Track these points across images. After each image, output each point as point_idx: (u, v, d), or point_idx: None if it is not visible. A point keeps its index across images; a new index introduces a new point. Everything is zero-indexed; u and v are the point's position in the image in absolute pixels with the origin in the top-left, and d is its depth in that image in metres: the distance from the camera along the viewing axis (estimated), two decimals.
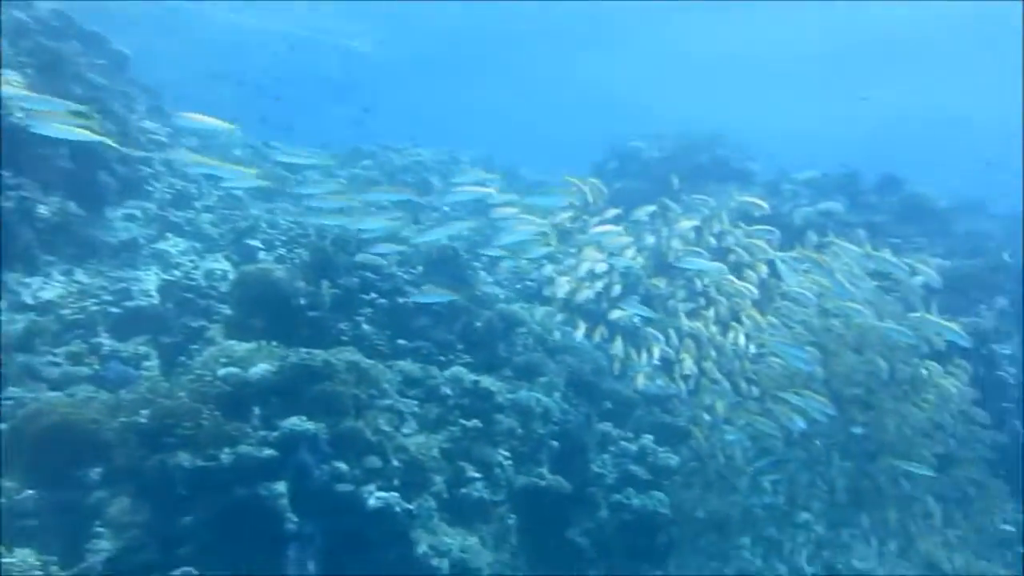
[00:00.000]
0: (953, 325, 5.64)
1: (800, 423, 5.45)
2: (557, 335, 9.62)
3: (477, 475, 7.62)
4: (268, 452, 6.17)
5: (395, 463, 6.80)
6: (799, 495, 5.97)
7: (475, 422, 7.87)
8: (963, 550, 5.66)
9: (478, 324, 9.34)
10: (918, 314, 5.74)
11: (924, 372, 5.82)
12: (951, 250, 13.28)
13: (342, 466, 6.46)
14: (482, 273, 10.45)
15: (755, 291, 6.21)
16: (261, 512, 6.04)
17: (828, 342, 5.93)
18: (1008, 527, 9.37)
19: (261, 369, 6.64)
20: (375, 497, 6.48)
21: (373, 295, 8.75)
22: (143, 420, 6.07)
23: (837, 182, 15.73)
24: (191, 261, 9.26)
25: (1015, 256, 12.64)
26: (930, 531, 5.65)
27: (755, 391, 6.12)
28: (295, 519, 6.10)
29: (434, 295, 7.86)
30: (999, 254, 12.74)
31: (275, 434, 6.30)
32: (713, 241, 6.79)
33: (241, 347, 6.95)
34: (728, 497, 6.14)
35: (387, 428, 6.94)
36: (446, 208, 13.10)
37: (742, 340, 6.27)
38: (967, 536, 5.82)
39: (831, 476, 5.88)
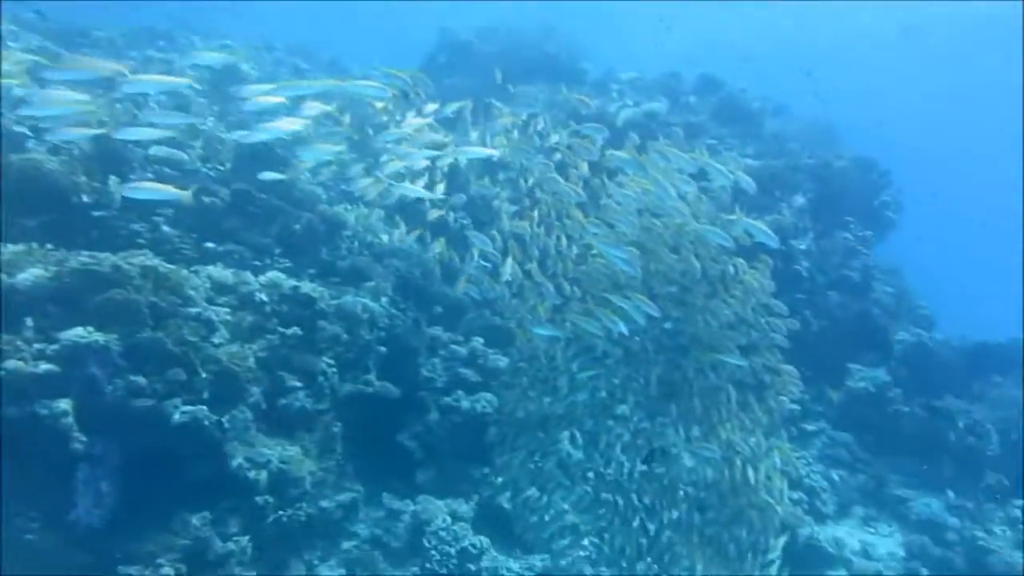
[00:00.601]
0: (761, 224, 5.91)
1: (621, 326, 5.56)
2: (384, 238, 9.23)
3: (298, 384, 7.28)
4: (46, 367, 5.50)
5: (203, 375, 6.31)
6: (617, 390, 6.20)
7: (295, 330, 7.44)
8: (756, 432, 6.17)
9: (297, 227, 8.74)
10: (732, 216, 5.95)
11: (732, 269, 6.11)
12: (760, 151, 14.13)
13: (140, 380, 5.91)
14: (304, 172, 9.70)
15: (580, 192, 6.16)
16: (41, 432, 5.43)
17: (648, 242, 6.05)
18: (794, 406, 10.55)
19: (32, 275, 5.81)
20: (180, 411, 6.03)
21: None
22: None
23: (659, 83, 16.05)
24: None
25: (814, 157, 13.67)
26: (729, 416, 6.10)
27: (577, 292, 6.17)
28: (83, 438, 5.56)
29: (149, 192, 6.51)
30: (800, 155, 13.71)
31: (54, 347, 5.62)
32: (537, 140, 6.60)
33: (7, 250, 6.01)
34: (550, 395, 6.26)
35: (193, 338, 6.38)
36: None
37: (565, 241, 6.25)
38: (759, 418, 6.31)
39: (647, 370, 6.13)
